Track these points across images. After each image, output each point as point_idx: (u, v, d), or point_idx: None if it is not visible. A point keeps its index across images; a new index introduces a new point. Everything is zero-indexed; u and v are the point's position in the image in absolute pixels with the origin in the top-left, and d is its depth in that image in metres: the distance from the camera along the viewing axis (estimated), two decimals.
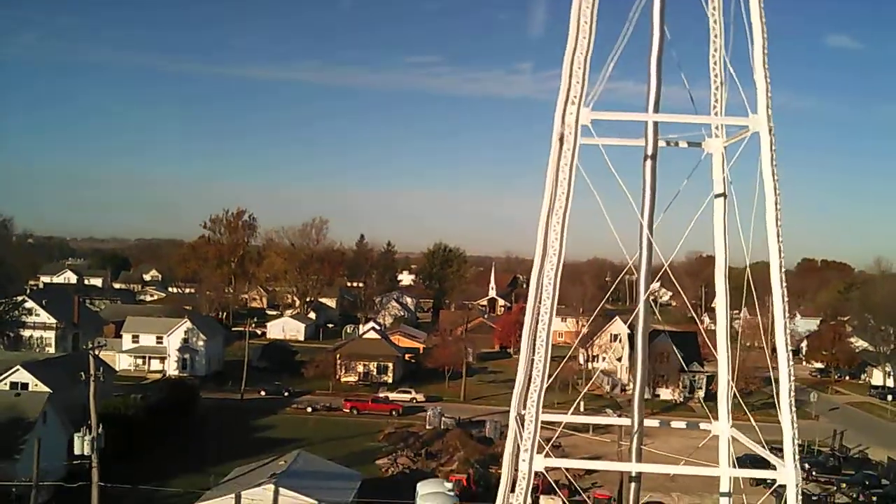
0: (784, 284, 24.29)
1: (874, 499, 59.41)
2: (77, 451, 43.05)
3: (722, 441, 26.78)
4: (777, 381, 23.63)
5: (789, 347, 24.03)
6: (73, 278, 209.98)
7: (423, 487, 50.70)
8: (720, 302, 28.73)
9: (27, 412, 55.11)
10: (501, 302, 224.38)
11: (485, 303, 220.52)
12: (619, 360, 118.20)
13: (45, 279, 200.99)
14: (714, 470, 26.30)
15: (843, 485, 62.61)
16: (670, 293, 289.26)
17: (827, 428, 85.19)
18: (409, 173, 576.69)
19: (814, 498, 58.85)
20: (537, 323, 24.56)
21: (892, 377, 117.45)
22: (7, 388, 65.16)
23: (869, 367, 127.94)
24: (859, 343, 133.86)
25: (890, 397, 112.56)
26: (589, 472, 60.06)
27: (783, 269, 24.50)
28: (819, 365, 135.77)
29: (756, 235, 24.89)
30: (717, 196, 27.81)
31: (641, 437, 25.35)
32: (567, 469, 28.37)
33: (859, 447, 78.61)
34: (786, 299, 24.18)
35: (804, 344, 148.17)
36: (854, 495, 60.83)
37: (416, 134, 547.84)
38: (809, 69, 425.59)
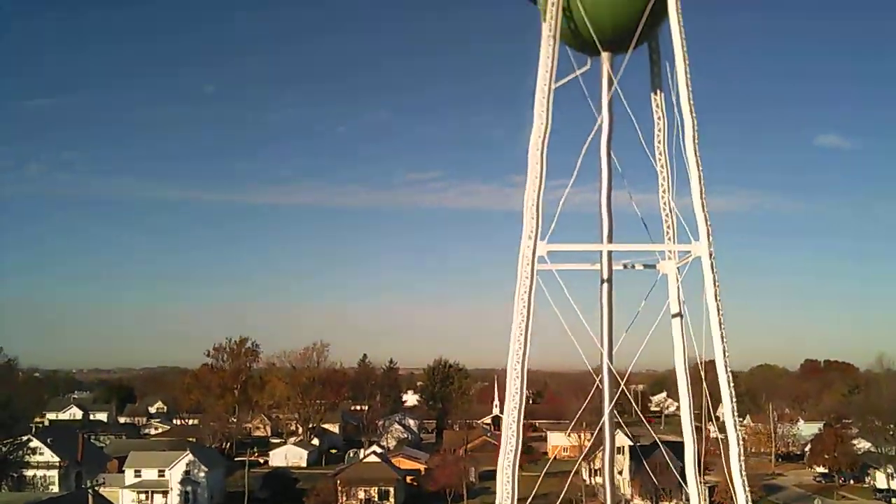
0: (732, 390, 26.62)
1: None
2: None
3: None
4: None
5: (741, 445, 26.19)
6: (78, 414, 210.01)
7: None
8: (684, 409, 30.78)
9: None
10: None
11: (489, 420, 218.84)
12: (621, 472, 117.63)
13: (51, 416, 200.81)
14: None
15: None
16: (677, 404, 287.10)
17: None
18: (413, 288, 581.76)
19: None
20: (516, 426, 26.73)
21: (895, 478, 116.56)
22: None
23: (871, 469, 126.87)
24: (861, 445, 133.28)
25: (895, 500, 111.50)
26: None
27: (730, 380, 26.79)
28: (822, 469, 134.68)
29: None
30: (674, 316, 30.16)
31: None
32: None
33: None
34: (734, 407, 26.40)
35: (808, 448, 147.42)
36: None
37: (417, 248, 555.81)
38: (802, 169, 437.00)
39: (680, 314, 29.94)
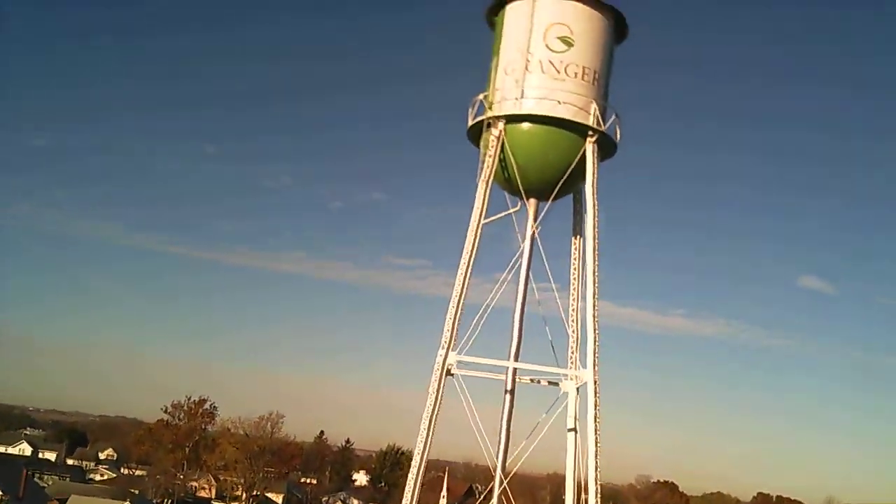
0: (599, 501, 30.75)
1: None
2: None
3: None
4: None
5: None
6: (27, 450, 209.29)
7: None
8: None
9: None
10: None
11: None
12: None
13: (1, 448, 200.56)
14: None
15: None
16: None
17: None
18: (380, 371, 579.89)
19: None
20: None
21: None
22: None
23: None
24: None
25: None
26: None
27: (598, 491, 31.06)
28: None
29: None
30: (570, 430, 34.53)
31: None
32: None
33: None
34: None
35: None
36: None
37: (392, 331, 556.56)
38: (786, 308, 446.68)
39: (575, 430, 34.22)
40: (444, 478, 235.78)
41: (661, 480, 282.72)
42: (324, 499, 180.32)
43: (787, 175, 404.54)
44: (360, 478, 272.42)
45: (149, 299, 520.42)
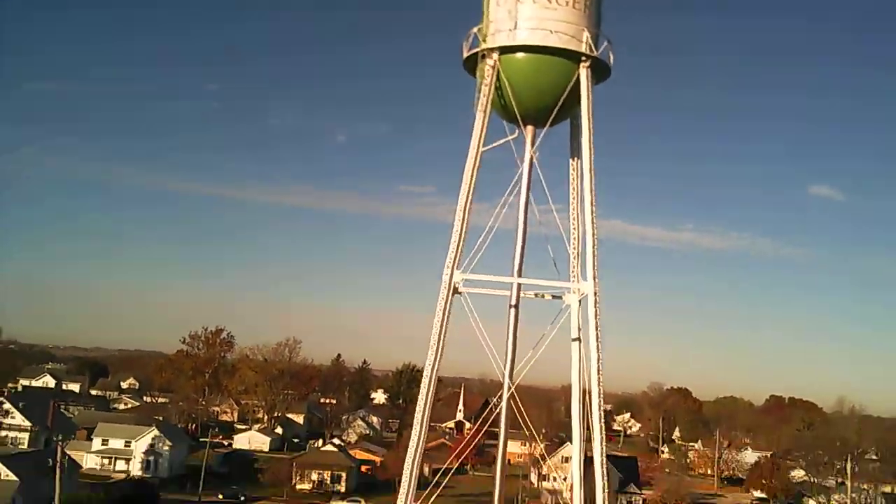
0: (602, 413, 32.99)
1: None
2: None
3: None
4: None
5: (604, 455, 32.54)
6: (51, 383, 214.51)
7: None
8: (575, 426, 36.76)
9: None
10: (469, 425, 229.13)
11: (451, 424, 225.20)
12: (565, 479, 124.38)
13: (25, 382, 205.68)
14: None
15: None
16: (639, 424, 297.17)
17: None
18: (392, 294, 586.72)
19: None
20: (421, 424, 33.15)
21: None
22: None
23: (805, 496, 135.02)
24: (800, 474, 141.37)
25: None
26: None
27: (601, 393, 33.28)
28: (761, 494, 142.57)
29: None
30: (574, 339, 36.49)
31: None
32: None
33: None
34: (602, 424, 32.79)
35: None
36: None
37: (402, 256, 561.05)
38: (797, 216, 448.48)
39: (578, 339, 36.20)
40: (460, 393, 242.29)
41: (675, 387, 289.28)
42: (343, 416, 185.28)
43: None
44: (379, 396, 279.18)
45: (159, 238, 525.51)
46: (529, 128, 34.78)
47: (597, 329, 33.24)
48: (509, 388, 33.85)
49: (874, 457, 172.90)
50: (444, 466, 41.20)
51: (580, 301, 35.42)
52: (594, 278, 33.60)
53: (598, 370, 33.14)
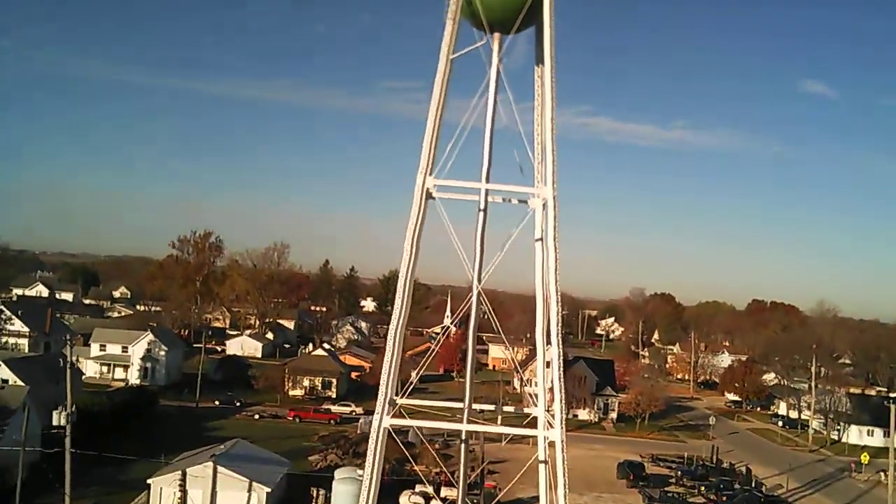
0: (559, 316, 35.19)
1: (724, 499, 70.45)
2: (55, 423, 52.43)
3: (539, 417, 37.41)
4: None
5: (560, 361, 34.83)
6: (44, 292, 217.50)
7: (339, 473, 60.71)
8: (539, 328, 38.86)
9: (9, 403, 64.01)
10: (455, 330, 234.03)
11: (438, 330, 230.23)
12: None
13: (18, 291, 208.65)
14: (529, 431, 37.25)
15: (702, 488, 73.84)
16: (622, 329, 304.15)
17: (721, 447, 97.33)
18: (380, 198, 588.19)
19: (676, 497, 69.85)
20: (397, 326, 35.30)
21: (795, 409, 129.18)
22: None
23: (777, 399, 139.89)
24: (772, 377, 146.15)
25: (781, 423, 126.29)
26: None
27: (559, 306, 35.32)
28: (734, 397, 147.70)
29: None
30: (537, 240, 38.44)
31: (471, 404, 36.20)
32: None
33: (743, 463, 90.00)
34: (559, 329, 35.00)
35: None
36: (711, 496, 71.97)
37: (390, 158, 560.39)
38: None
39: (542, 240, 38.14)
40: (447, 300, 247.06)
41: (657, 293, 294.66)
42: (333, 322, 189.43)
43: None
44: (368, 304, 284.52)
45: (144, 138, 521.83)
46: (496, 35, 36.01)
47: (555, 230, 35.19)
48: (476, 287, 35.89)
49: (847, 361, 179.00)
50: (419, 369, 43.62)
51: (543, 205, 37.26)
52: (553, 183, 35.40)
53: (556, 269, 35.22)
